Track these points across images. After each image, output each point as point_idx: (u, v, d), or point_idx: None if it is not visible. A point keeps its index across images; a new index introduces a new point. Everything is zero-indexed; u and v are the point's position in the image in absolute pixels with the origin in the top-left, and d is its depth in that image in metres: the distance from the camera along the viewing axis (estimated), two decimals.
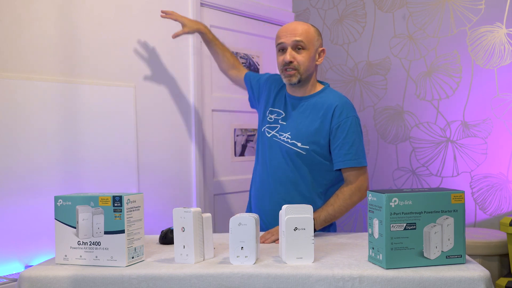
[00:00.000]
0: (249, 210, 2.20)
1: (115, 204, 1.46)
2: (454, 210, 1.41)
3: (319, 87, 2.06)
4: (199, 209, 1.51)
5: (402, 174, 3.35)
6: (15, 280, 1.92)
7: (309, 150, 1.95)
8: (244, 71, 2.41)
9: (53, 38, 2.24)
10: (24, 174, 2.11)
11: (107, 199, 1.46)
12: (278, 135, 2.02)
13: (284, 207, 1.47)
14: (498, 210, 3.01)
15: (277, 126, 2.04)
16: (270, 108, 2.11)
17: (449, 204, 1.41)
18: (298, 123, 1.99)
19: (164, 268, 1.43)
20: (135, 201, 1.49)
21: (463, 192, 1.43)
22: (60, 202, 1.52)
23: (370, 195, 1.43)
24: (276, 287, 1.36)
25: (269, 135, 2.05)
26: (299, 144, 1.96)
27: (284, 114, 2.05)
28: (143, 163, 2.61)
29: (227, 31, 3.21)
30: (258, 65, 3.42)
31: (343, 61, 3.59)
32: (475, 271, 1.35)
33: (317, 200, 1.99)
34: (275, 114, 2.07)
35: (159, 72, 2.72)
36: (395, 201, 1.37)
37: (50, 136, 2.21)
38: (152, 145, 2.67)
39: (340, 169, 1.96)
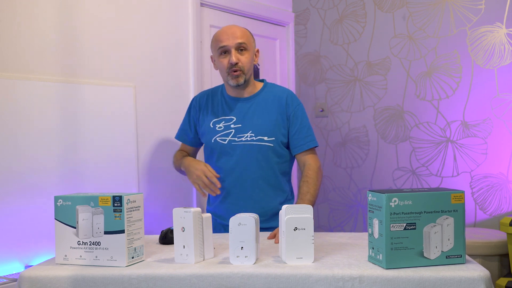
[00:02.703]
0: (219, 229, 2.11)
1: (115, 204, 1.46)
2: (454, 210, 1.41)
3: (259, 84, 2.15)
4: (199, 209, 1.51)
5: (402, 174, 3.34)
6: (15, 280, 1.92)
7: (275, 141, 2.04)
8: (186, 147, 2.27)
9: (53, 38, 2.24)
10: (24, 174, 2.11)
11: (107, 199, 1.46)
12: (236, 138, 2.05)
13: (284, 207, 1.47)
14: (498, 210, 3.01)
15: (231, 131, 2.06)
16: (213, 120, 2.11)
17: (449, 204, 1.41)
18: (255, 120, 2.06)
19: (164, 268, 1.43)
20: (135, 201, 1.49)
21: (463, 192, 1.43)
22: (60, 202, 1.52)
23: (370, 195, 1.43)
24: (276, 287, 1.36)
25: (225, 142, 2.07)
26: (265, 138, 2.04)
27: (235, 118, 2.08)
28: (143, 163, 2.62)
29: None
30: (258, 65, 3.42)
31: (343, 61, 3.59)
32: (475, 271, 1.34)
33: (286, 187, 2.14)
34: (223, 122, 2.09)
35: (159, 72, 2.72)
36: (395, 201, 1.37)
37: (50, 136, 2.21)
38: (152, 145, 2.67)
39: (296, 154, 2.08)
